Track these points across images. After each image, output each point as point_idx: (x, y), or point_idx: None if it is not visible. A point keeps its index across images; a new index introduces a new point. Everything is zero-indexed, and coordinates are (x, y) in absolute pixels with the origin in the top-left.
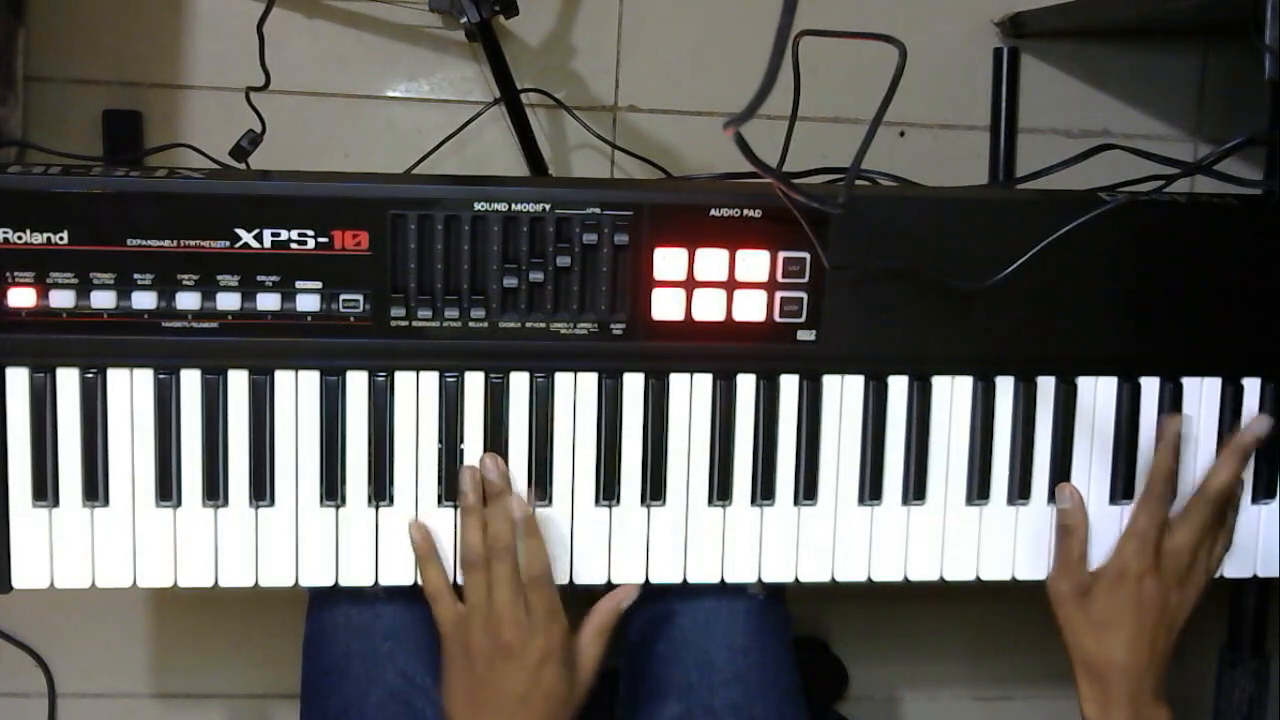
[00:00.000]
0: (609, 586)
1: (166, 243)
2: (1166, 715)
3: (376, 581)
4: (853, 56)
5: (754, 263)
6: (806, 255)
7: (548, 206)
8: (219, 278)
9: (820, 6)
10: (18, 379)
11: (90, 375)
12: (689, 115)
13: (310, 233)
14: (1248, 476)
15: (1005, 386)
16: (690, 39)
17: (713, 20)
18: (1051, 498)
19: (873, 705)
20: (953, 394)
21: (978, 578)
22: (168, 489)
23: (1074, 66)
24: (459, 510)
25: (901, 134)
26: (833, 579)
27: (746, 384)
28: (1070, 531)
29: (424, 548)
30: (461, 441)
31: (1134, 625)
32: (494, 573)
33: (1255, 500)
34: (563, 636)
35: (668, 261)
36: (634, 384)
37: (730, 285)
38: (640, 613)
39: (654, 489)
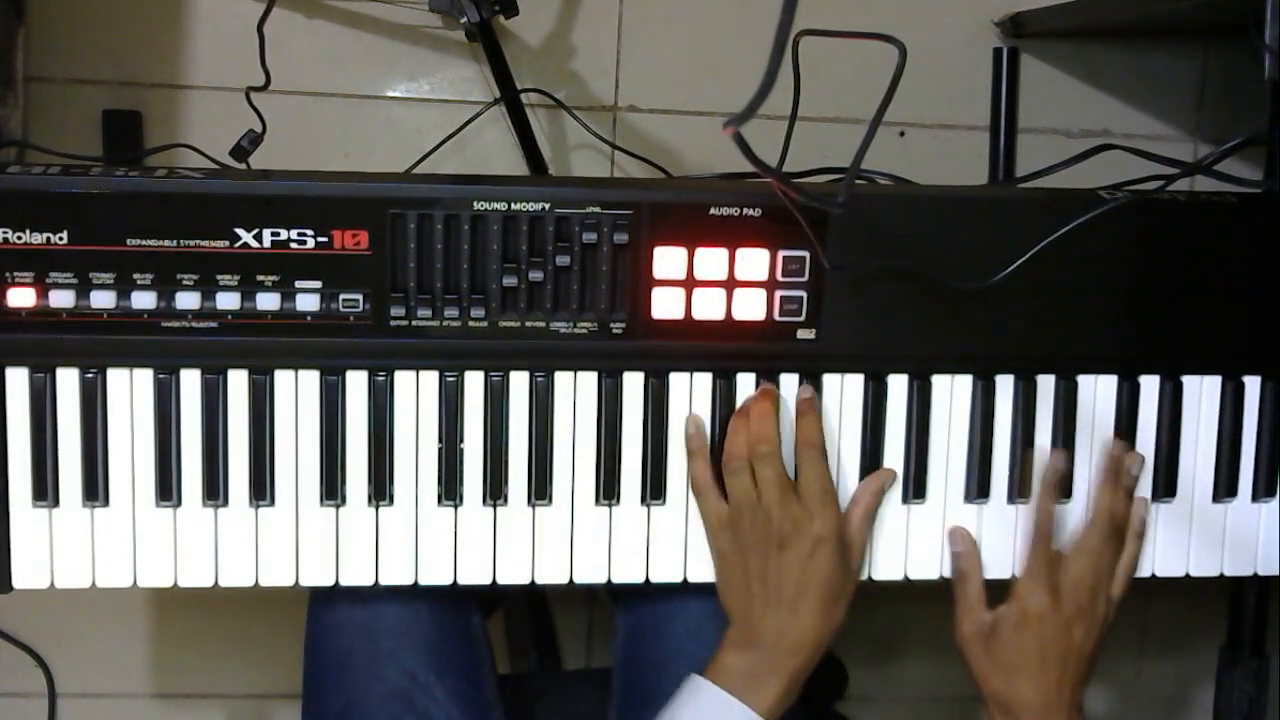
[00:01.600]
0: (609, 586)
1: (166, 243)
2: None
3: (377, 581)
4: (853, 56)
5: (753, 262)
6: (806, 254)
7: (547, 206)
8: (219, 277)
9: (820, 6)
10: (18, 379)
11: (90, 375)
12: (689, 115)
13: (310, 232)
14: (1247, 475)
15: (1005, 385)
16: (690, 39)
17: (713, 20)
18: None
19: (873, 705)
20: (953, 392)
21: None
22: (168, 489)
23: (1074, 66)
24: (731, 421)
25: (901, 134)
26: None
27: (746, 383)
28: (965, 576)
29: (696, 441)
30: (461, 441)
31: (1038, 664)
32: (760, 474)
33: (1255, 499)
34: (836, 519)
35: (667, 260)
36: (634, 383)
37: (730, 284)
38: (632, 618)
39: (654, 488)
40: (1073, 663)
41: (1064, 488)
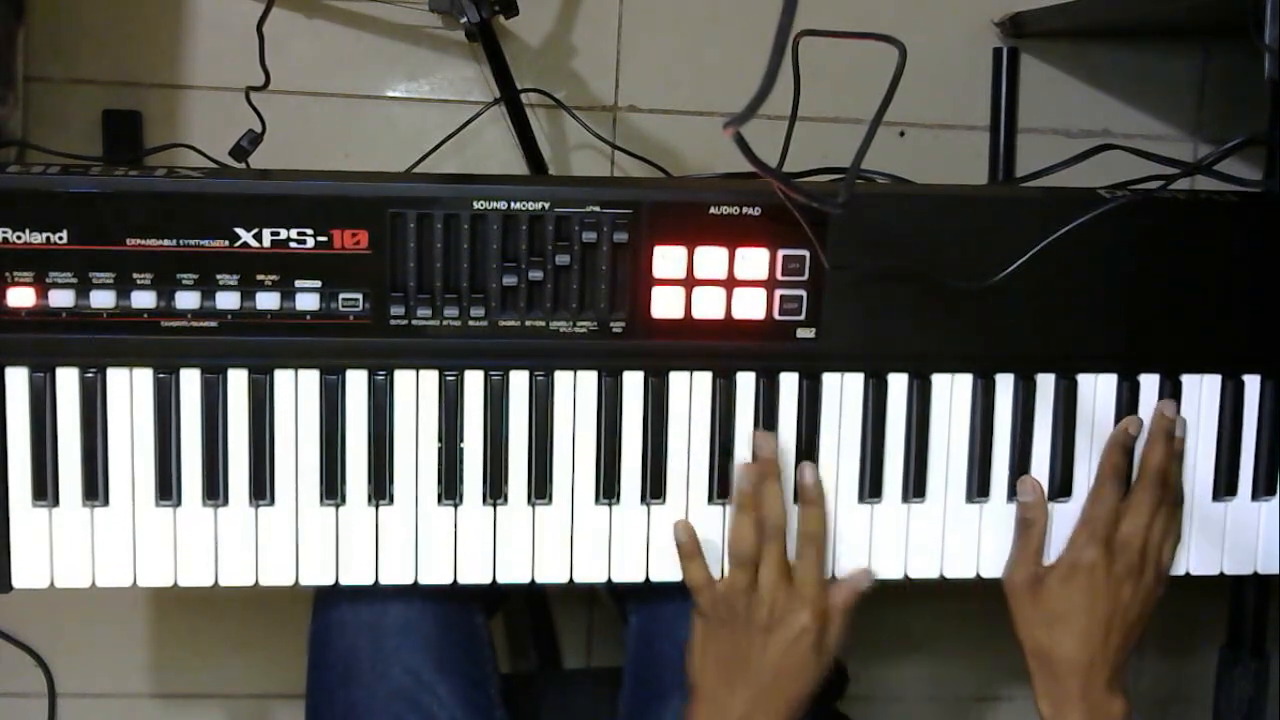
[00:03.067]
0: (609, 585)
1: (166, 242)
2: (1121, 708)
3: (376, 581)
4: (853, 56)
5: (753, 261)
6: (806, 253)
7: (547, 205)
8: (218, 277)
9: (820, 6)
10: (17, 379)
11: (90, 375)
12: (689, 115)
13: (309, 232)
14: (1247, 474)
15: (1005, 384)
16: (690, 39)
17: (713, 20)
18: (1051, 495)
19: (873, 705)
20: (953, 391)
21: (978, 575)
22: (168, 488)
23: (1074, 66)
24: (734, 504)
25: (901, 134)
26: (832, 576)
27: (746, 382)
28: (1031, 524)
29: (689, 548)
30: (461, 440)
31: (1084, 618)
32: (768, 551)
33: (1255, 498)
34: (824, 615)
35: (667, 260)
36: (634, 382)
37: (730, 283)
38: (642, 610)
39: (654, 487)
40: (1119, 623)
41: (1121, 477)
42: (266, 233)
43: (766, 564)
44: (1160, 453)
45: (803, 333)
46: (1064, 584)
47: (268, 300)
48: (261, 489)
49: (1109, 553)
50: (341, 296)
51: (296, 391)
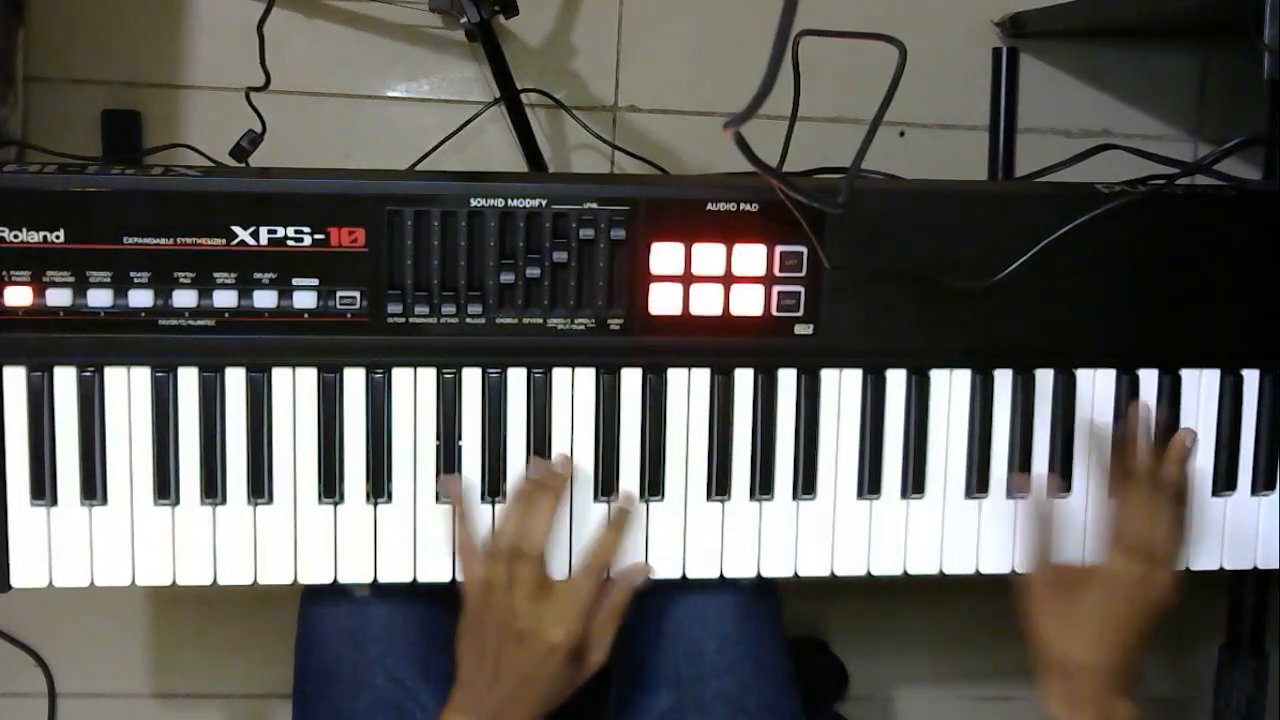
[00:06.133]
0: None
1: (163, 241)
2: (1130, 712)
3: (375, 579)
4: (853, 56)
5: (751, 257)
6: (803, 249)
7: (544, 202)
8: (216, 275)
9: (820, 6)
10: (15, 378)
11: (87, 374)
12: (689, 115)
13: (307, 230)
14: (1246, 469)
15: (1004, 379)
16: (690, 39)
17: (713, 20)
18: (1050, 491)
19: (873, 705)
20: (951, 387)
21: (977, 571)
22: (166, 487)
23: (1074, 66)
24: (511, 495)
25: (901, 134)
26: (832, 573)
27: (744, 378)
28: (1045, 521)
29: (462, 503)
30: (459, 438)
31: (1103, 623)
32: (516, 571)
33: (1255, 493)
34: (577, 635)
35: (664, 256)
36: (632, 379)
37: (727, 280)
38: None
39: (652, 484)
40: (1134, 627)
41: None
42: (264, 231)
43: (518, 579)
44: (1176, 461)
45: (801, 329)
46: (1085, 588)
47: (265, 299)
48: (260, 487)
49: (1129, 558)
50: (339, 295)
51: (294, 390)
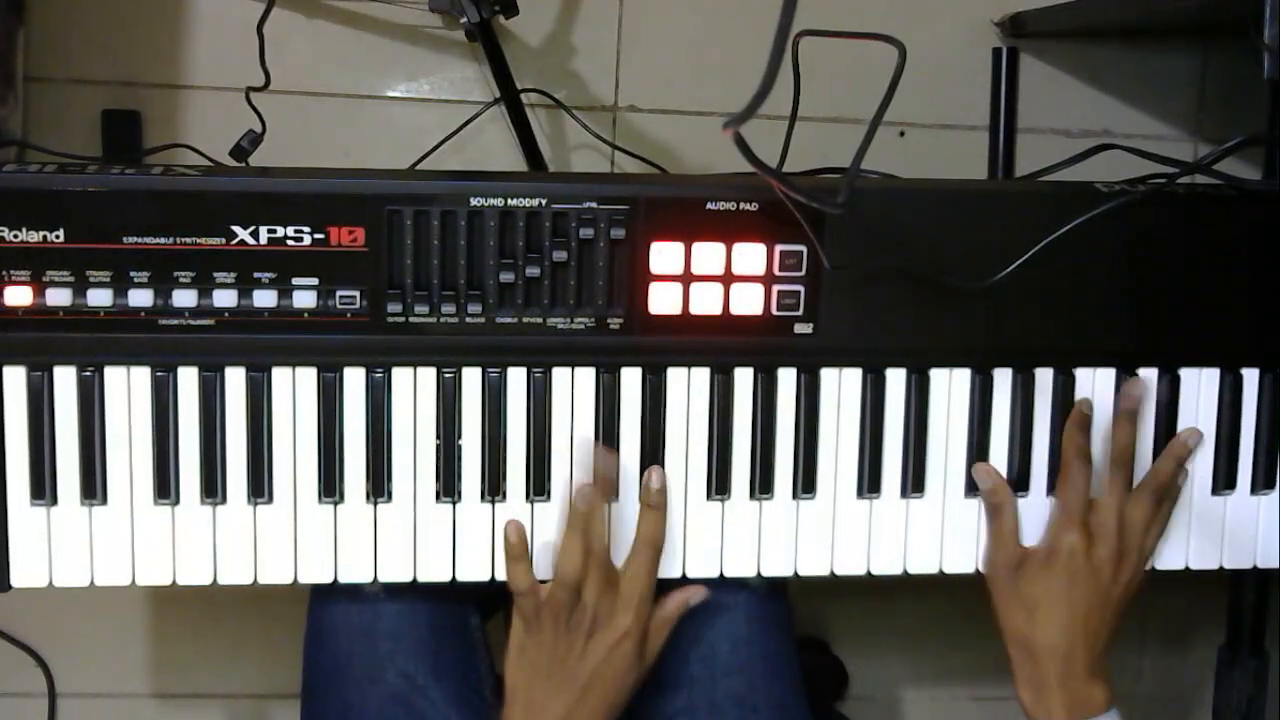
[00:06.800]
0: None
1: (163, 240)
2: (1103, 693)
3: (375, 578)
4: (853, 56)
5: (751, 256)
6: (803, 248)
7: (544, 201)
8: (215, 275)
9: (820, 6)
10: (15, 378)
11: (87, 373)
12: (689, 115)
13: (306, 229)
14: (1245, 468)
15: (1003, 379)
16: (690, 39)
17: (713, 20)
18: (1050, 489)
19: (873, 705)
20: (951, 386)
21: (977, 570)
22: (166, 487)
23: (1074, 66)
24: (567, 524)
25: (901, 134)
26: (832, 572)
27: (744, 378)
28: (999, 509)
29: (518, 550)
30: (459, 437)
31: (1064, 604)
32: (591, 575)
33: (1254, 492)
34: (645, 621)
35: (664, 256)
36: (631, 379)
37: (727, 279)
38: None
39: None
40: (1098, 608)
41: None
42: (263, 230)
43: (590, 583)
44: (1124, 433)
45: (800, 328)
46: (1042, 569)
47: (265, 298)
48: (260, 487)
49: (1086, 536)
50: (339, 294)
51: (294, 389)
